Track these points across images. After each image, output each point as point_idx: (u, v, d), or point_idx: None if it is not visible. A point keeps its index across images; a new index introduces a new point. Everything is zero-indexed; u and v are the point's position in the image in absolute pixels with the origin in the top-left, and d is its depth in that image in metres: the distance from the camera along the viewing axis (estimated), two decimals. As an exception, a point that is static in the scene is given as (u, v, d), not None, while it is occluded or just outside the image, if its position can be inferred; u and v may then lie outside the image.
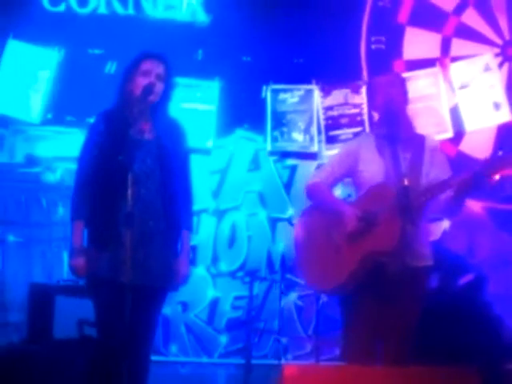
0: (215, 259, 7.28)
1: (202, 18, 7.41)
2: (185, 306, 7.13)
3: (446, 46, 7.43)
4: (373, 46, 7.49)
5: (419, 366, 4.04)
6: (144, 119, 4.32)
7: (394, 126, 4.39)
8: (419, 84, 7.14)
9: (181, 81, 6.84)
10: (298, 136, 7.33)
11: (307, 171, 7.16)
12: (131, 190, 4.00)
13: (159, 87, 4.35)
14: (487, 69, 7.14)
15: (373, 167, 4.44)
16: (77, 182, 4.34)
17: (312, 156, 7.32)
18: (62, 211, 6.85)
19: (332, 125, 7.32)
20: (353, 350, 4.40)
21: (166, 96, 4.42)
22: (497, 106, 7.06)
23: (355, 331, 4.38)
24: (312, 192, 4.60)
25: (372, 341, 4.37)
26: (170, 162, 4.32)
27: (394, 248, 4.15)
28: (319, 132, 7.33)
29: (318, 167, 6.87)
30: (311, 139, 7.33)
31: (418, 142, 4.48)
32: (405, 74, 6.98)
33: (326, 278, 4.41)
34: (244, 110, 7.39)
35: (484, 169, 4.15)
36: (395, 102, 4.45)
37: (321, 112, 7.35)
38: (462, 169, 4.40)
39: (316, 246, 4.48)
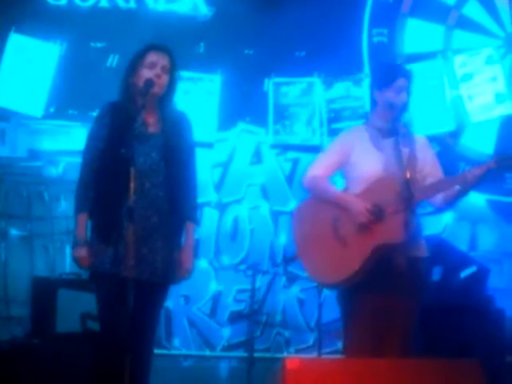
0: (218, 252, 7.28)
1: (204, 10, 7.40)
2: (187, 299, 7.14)
3: (448, 38, 7.41)
4: (375, 39, 7.48)
5: (422, 358, 4.05)
6: (149, 112, 4.31)
7: (397, 122, 4.45)
8: (421, 76, 7.13)
9: (183, 74, 6.81)
10: (300, 129, 7.33)
11: (309, 164, 7.14)
12: (134, 183, 4.00)
13: (164, 79, 4.34)
14: (490, 61, 7.12)
15: (370, 160, 4.47)
16: (81, 174, 4.34)
17: (314, 149, 7.29)
18: (65, 205, 6.85)
19: (334, 118, 7.31)
20: (356, 344, 4.40)
21: (171, 88, 4.41)
22: (499, 98, 7.05)
23: (359, 325, 4.38)
24: (313, 185, 4.59)
25: (375, 334, 4.38)
26: (175, 156, 4.32)
27: (402, 241, 4.18)
28: (321, 125, 7.32)
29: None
30: (313, 132, 7.33)
31: (410, 139, 4.52)
32: (407, 67, 7.00)
33: (333, 271, 4.40)
34: (246, 103, 7.38)
35: (499, 165, 4.20)
36: (406, 104, 4.53)
37: (323, 105, 7.35)
38: (463, 161, 4.43)
39: (320, 239, 4.47)
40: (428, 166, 4.53)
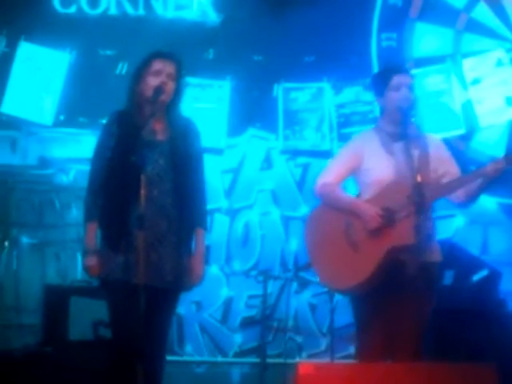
0: (229, 258, 7.27)
1: (213, 17, 7.41)
2: (199, 306, 7.13)
3: (457, 42, 7.40)
4: (384, 43, 7.48)
5: (436, 362, 4.04)
6: (157, 120, 4.31)
7: (406, 125, 4.42)
8: (430, 80, 7.13)
9: (192, 80, 6.85)
10: (310, 134, 7.33)
11: (319, 169, 7.13)
12: (144, 191, 4.01)
13: (171, 87, 4.34)
14: (499, 64, 7.11)
15: (382, 165, 4.46)
16: (90, 183, 4.35)
17: (324, 154, 7.30)
18: (76, 212, 6.85)
19: (344, 122, 7.32)
20: (369, 348, 4.38)
21: (177, 95, 4.41)
22: (510, 101, 7.04)
23: (373, 330, 4.37)
24: (324, 192, 4.60)
25: (389, 339, 4.36)
26: (183, 163, 4.32)
27: (414, 244, 4.16)
28: (331, 130, 7.32)
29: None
30: (323, 137, 7.33)
31: (423, 140, 4.50)
32: (416, 71, 7.00)
33: (346, 276, 4.40)
34: (256, 109, 7.38)
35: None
36: (412, 104, 4.50)
37: (332, 110, 7.35)
38: (474, 165, 4.43)
39: (332, 246, 4.47)
40: (444, 166, 4.50)
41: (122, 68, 7.17)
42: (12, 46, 7.04)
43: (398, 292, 4.29)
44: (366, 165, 4.54)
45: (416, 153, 4.41)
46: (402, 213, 4.26)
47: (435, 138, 4.70)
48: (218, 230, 7.24)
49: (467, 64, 7.21)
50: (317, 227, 4.64)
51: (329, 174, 4.67)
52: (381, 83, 4.58)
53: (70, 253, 6.91)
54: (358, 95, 7.33)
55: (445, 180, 4.45)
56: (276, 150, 7.40)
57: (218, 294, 7.20)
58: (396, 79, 4.53)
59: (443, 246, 4.69)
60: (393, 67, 4.83)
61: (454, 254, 4.80)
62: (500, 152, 6.88)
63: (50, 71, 7.09)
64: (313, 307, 7.17)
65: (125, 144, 4.24)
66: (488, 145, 7.17)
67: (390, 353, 4.35)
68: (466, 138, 7.16)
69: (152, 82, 4.30)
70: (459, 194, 4.43)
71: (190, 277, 4.33)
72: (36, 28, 7.02)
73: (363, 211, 4.41)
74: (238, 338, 7.16)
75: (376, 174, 4.49)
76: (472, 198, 4.47)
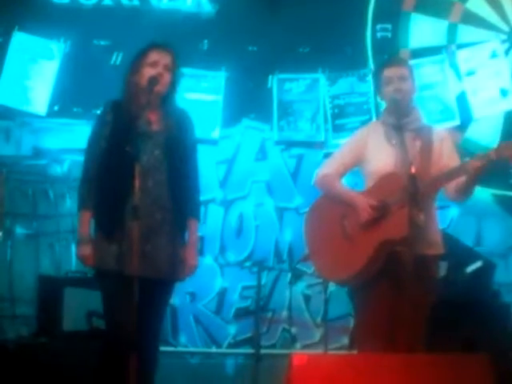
0: (223, 249, 7.28)
1: (208, 8, 7.40)
2: (193, 297, 7.14)
3: (452, 33, 7.40)
4: (378, 34, 7.47)
5: (430, 354, 4.04)
6: (152, 110, 4.31)
7: (402, 117, 4.40)
8: (425, 71, 7.13)
9: (186, 71, 6.83)
10: (305, 125, 7.33)
11: (314, 160, 7.15)
12: (138, 181, 4.00)
13: (167, 78, 4.34)
14: (494, 55, 7.11)
15: (382, 156, 4.45)
16: (84, 172, 4.35)
17: (319, 145, 7.31)
18: (70, 203, 6.84)
19: (338, 113, 7.31)
20: (370, 338, 4.37)
21: (173, 86, 4.42)
22: (504, 92, 7.04)
23: (372, 321, 4.36)
24: (322, 183, 4.62)
25: (389, 329, 4.35)
26: (177, 153, 4.32)
27: (406, 236, 4.14)
28: (326, 121, 7.32)
29: (326, 156, 6.85)
30: (318, 128, 7.33)
31: (427, 131, 4.49)
32: (411, 62, 6.99)
33: (340, 268, 4.42)
34: (250, 100, 7.38)
35: (498, 155, 4.15)
36: (405, 95, 4.47)
37: (327, 101, 7.34)
38: (469, 156, 4.41)
39: (328, 236, 4.48)
40: (444, 159, 4.46)
41: (117, 58, 7.15)
42: (6, 35, 7.02)
43: (396, 282, 4.28)
44: (369, 156, 4.54)
45: (418, 144, 4.40)
46: (396, 205, 4.26)
47: (441, 130, 4.68)
48: (212, 221, 7.24)
49: (462, 55, 7.21)
50: (315, 218, 4.66)
51: (329, 165, 4.69)
52: (376, 79, 4.62)
53: (64, 243, 6.91)
54: (352, 86, 7.33)
55: None
56: (270, 140, 7.40)
57: (212, 285, 7.20)
58: (386, 73, 4.53)
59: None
60: (384, 61, 4.81)
61: (447, 245, 4.79)
62: (494, 143, 6.91)
63: (44, 61, 7.07)
64: (307, 298, 7.18)
65: (119, 134, 4.24)
66: (482, 136, 7.17)
67: (388, 343, 4.34)
68: (461, 128, 7.16)
69: (148, 72, 4.30)
70: (452, 189, 4.42)
71: (184, 267, 4.34)
72: (30, 18, 7.00)
73: (356, 202, 4.42)
74: (232, 329, 7.17)
75: (376, 164, 4.49)
76: (463, 192, 4.42)
